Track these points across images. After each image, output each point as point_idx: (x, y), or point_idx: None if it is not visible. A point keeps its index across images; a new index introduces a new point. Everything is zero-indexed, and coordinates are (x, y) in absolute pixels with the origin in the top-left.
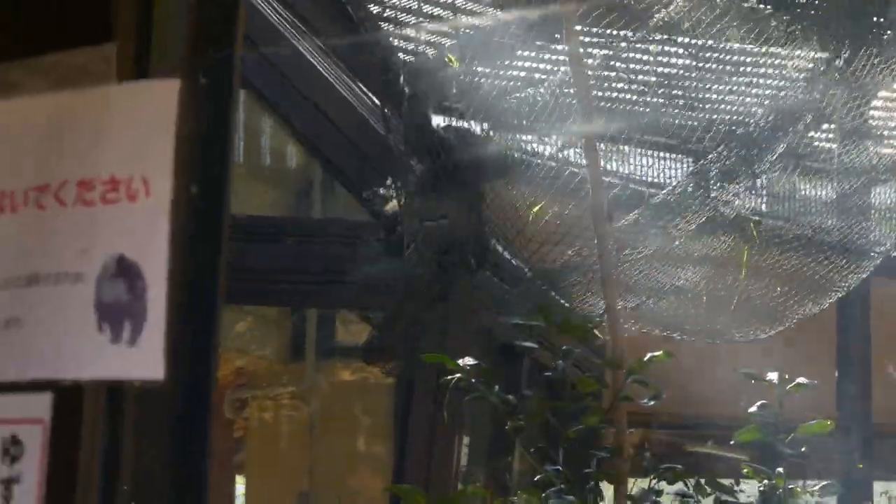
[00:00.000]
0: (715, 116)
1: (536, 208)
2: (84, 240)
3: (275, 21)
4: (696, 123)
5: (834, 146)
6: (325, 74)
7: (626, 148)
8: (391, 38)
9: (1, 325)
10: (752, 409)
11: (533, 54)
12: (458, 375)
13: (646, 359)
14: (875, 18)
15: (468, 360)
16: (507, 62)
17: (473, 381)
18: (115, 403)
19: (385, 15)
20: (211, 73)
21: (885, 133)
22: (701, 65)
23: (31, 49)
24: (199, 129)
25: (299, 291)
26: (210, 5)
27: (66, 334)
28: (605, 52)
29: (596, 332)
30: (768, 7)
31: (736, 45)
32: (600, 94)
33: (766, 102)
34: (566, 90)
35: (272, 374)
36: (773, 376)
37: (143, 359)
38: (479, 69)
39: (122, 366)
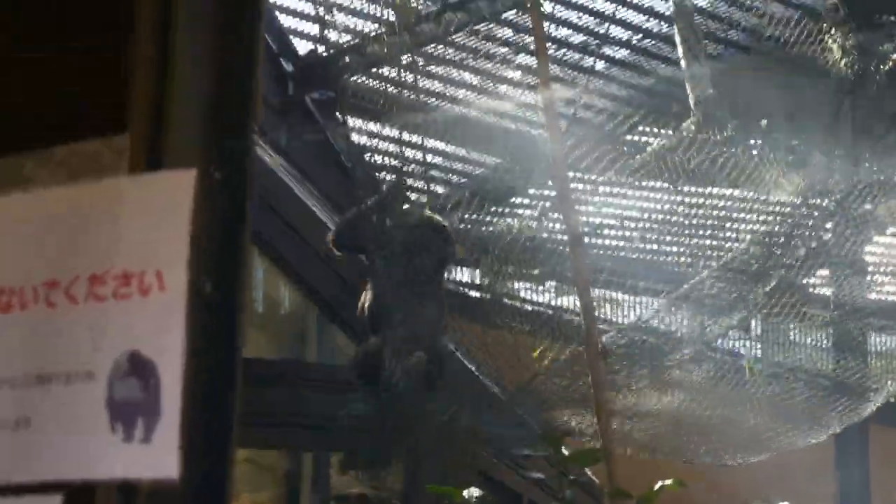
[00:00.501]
0: (708, 255)
1: (537, 352)
2: (96, 337)
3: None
4: (689, 268)
5: (830, 291)
6: (317, 213)
7: (620, 295)
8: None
9: (10, 425)
10: None
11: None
12: None
13: (656, 488)
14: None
15: (474, 492)
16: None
17: None
18: (128, 503)
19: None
20: (226, 164)
21: (881, 279)
22: (690, 210)
23: (42, 141)
24: (214, 223)
25: (293, 434)
26: (225, 95)
27: (77, 434)
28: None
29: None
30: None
31: (732, 192)
32: (594, 240)
33: (762, 241)
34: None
35: None
36: None
37: (157, 457)
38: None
39: (134, 465)
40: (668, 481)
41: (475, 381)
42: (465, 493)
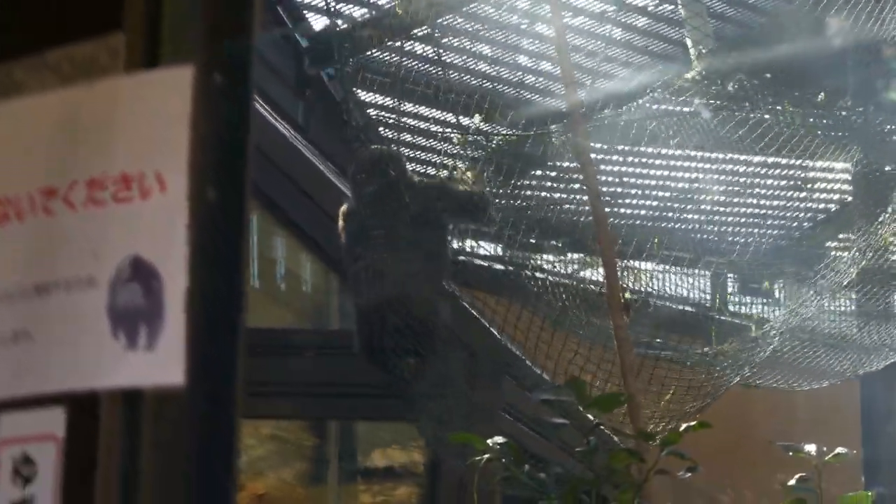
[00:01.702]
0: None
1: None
2: (96, 243)
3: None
4: (712, 237)
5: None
6: (336, 184)
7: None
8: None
9: (9, 338)
10: (791, 482)
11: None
12: (486, 456)
13: (682, 429)
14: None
15: (497, 439)
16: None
17: (503, 460)
18: (133, 413)
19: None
20: (226, 66)
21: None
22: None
23: (34, 45)
24: (216, 128)
25: (319, 404)
26: None
27: (80, 343)
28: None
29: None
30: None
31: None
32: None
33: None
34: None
35: (294, 499)
36: (811, 448)
37: (162, 363)
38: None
39: (139, 372)
40: (693, 423)
41: (492, 337)
42: (488, 441)
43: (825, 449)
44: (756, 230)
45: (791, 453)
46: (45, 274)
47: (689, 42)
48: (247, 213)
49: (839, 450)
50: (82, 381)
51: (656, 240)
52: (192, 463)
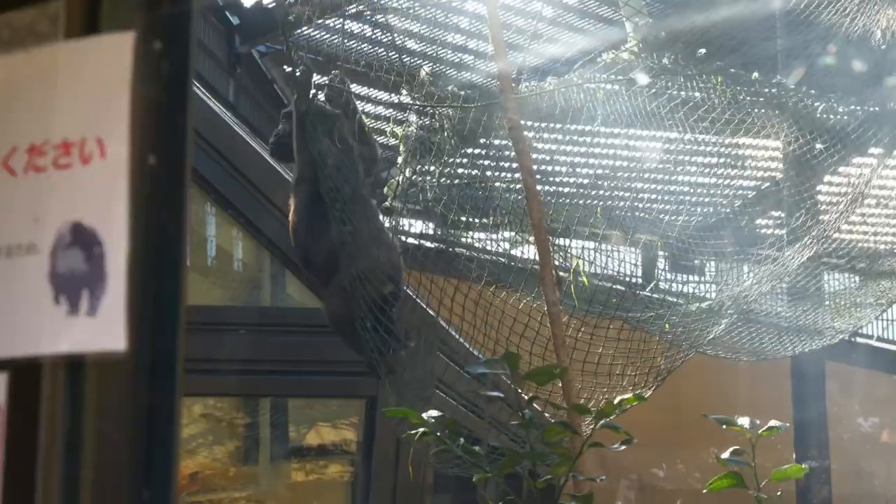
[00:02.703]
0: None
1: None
2: (36, 208)
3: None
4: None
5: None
6: (268, 161)
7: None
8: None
9: None
10: (724, 455)
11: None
12: (421, 430)
13: (616, 401)
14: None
15: (433, 413)
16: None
17: (438, 433)
18: (75, 379)
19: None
20: (165, 32)
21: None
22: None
23: None
24: (156, 95)
25: (254, 382)
26: None
27: (21, 309)
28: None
29: None
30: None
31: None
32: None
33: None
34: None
35: (227, 478)
36: (744, 421)
37: (104, 329)
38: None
39: (81, 338)
40: (628, 395)
41: (427, 316)
42: (423, 415)
43: (758, 422)
44: (686, 207)
45: (724, 426)
46: None
47: (623, 15)
48: (187, 180)
49: (772, 423)
50: (24, 347)
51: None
52: (136, 427)
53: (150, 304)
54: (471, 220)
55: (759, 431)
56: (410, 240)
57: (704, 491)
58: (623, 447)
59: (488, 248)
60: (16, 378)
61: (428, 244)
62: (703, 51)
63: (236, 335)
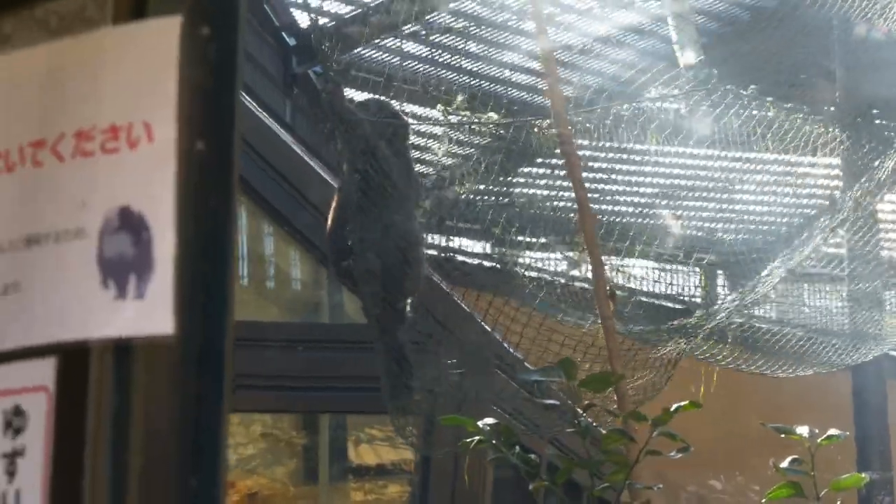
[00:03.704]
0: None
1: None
2: (84, 193)
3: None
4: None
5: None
6: (325, 178)
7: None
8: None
9: (0, 291)
10: (783, 464)
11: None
12: (477, 438)
13: (672, 409)
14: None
15: (488, 421)
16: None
17: (494, 442)
18: (123, 363)
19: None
20: (213, 18)
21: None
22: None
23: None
24: (203, 79)
25: (309, 398)
26: None
27: (69, 294)
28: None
29: None
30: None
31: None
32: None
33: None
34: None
35: (286, 498)
36: (803, 430)
37: (152, 313)
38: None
39: (129, 322)
40: (684, 403)
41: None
42: (479, 423)
43: (817, 431)
44: (745, 226)
45: (783, 435)
46: (35, 225)
47: (674, 38)
48: (235, 164)
49: (832, 431)
50: (72, 332)
51: (645, 237)
52: (183, 413)
53: (199, 291)
54: (527, 239)
55: (819, 440)
56: (465, 259)
57: (763, 501)
58: (679, 455)
59: (544, 267)
60: (64, 363)
61: (485, 263)
62: (753, 87)
63: (293, 351)
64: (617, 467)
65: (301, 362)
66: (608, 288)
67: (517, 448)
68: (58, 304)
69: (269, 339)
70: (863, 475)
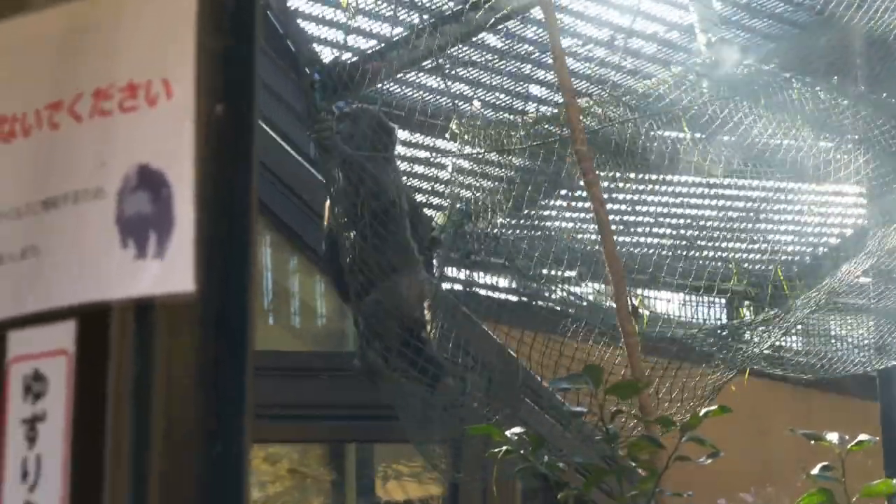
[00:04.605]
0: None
1: None
2: (103, 153)
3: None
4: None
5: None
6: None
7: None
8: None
9: (17, 256)
10: (814, 471)
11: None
12: (504, 447)
13: (701, 413)
14: None
15: (515, 430)
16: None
17: (521, 451)
18: (144, 323)
19: None
20: None
21: None
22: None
23: None
24: (222, 43)
25: (337, 427)
26: None
27: (88, 255)
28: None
29: None
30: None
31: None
32: (627, 238)
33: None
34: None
35: None
36: (832, 436)
37: (172, 271)
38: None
39: (149, 281)
40: (713, 407)
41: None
42: (506, 432)
43: (847, 437)
44: (770, 255)
45: (812, 441)
46: (53, 188)
47: (696, 28)
48: (255, 129)
49: (862, 437)
50: (92, 293)
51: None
52: (205, 373)
53: (219, 249)
54: (552, 272)
55: (849, 446)
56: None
57: None
58: (709, 460)
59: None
60: (84, 325)
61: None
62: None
63: (318, 380)
64: (646, 474)
65: (325, 391)
66: (630, 306)
67: (546, 457)
68: (77, 265)
69: (293, 368)
70: (893, 481)
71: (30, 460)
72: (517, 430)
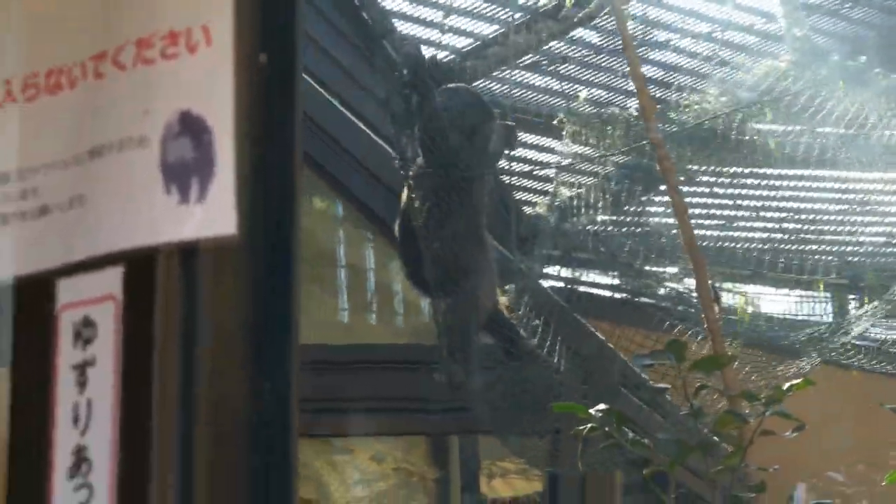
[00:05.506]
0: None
1: None
2: (146, 101)
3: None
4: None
5: None
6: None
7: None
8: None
9: (66, 204)
10: None
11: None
12: (590, 425)
13: (785, 388)
14: None
15: (600, 407)
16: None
17: (606, 428)
18: (189, 267)
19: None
20: None
21: None
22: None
23: None
24: None
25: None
26: None
27: (133, 202)
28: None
29: None
30: None
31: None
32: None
33: None
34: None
35: None
36: None
37: (215, 214)
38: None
39: (193, 225)
40: (797, 381)
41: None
42: (591, 410)
43: None
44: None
45: None
46: (98, 138)
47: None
48: (298, 79)
49: None
50: (138, 239)
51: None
52: (251, 314)
53: (261, 192)
54: (653, 268)
55: None
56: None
57: (884, 483)
58: (794, 434)
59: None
60: (130, 270)
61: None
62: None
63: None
64: (733, 449)
65: (413, 384)
66: (713, 292)
67: (630, 434)
68: (122, 212)
69: (382, 361)
70: None
71: (81, 405)
72: (602, 406)
